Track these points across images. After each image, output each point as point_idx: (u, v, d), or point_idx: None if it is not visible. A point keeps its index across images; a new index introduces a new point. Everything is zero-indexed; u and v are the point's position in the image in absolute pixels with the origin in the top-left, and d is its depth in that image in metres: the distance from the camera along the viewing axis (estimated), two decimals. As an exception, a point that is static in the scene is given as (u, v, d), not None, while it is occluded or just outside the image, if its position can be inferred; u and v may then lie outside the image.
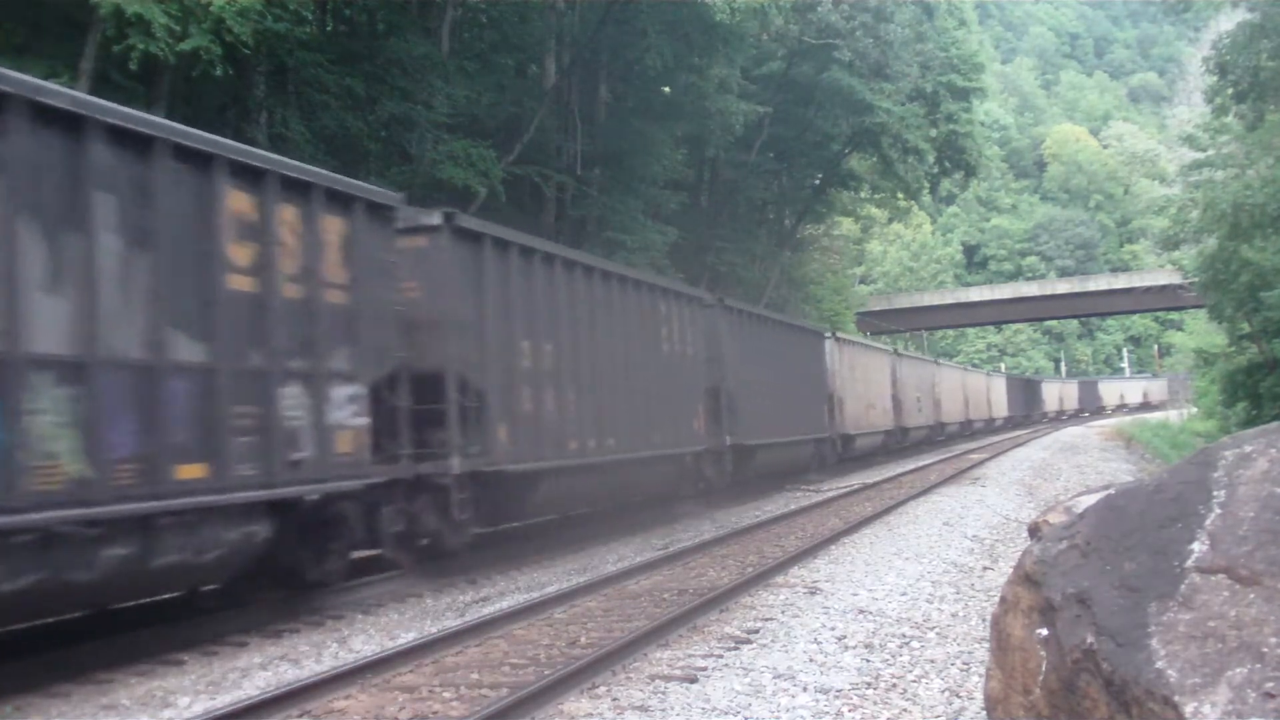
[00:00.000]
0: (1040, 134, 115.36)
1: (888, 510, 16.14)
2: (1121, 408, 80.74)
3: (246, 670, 7.40)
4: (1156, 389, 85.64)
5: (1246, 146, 22.01)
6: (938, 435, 39.43)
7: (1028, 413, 64.18)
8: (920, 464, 28.55)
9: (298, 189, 8.72)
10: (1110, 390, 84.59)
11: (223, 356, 7.82)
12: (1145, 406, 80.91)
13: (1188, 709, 2.93)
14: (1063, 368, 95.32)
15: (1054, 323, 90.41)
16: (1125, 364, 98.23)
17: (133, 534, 7.09)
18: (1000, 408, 55.33)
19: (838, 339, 27.02)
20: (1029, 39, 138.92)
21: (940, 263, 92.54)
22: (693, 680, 6.46)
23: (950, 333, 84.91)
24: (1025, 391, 64.91)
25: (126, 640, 7.92)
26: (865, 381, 28.73)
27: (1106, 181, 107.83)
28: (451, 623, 8.67)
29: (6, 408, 6.26)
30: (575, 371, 13.22)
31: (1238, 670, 2.95)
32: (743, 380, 19.31)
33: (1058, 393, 73.60)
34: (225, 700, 6.47)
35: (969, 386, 45.91)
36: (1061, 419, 71.34)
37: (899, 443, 33.27)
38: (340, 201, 9.28)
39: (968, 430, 46.06)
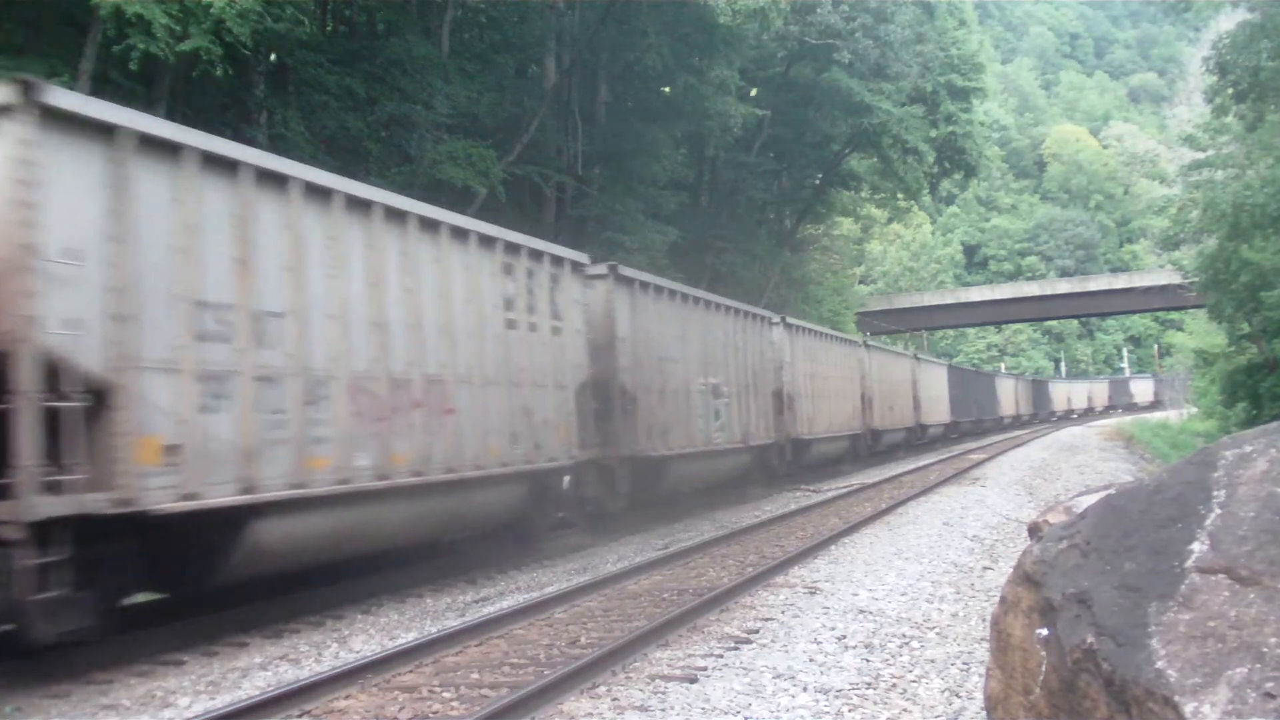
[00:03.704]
0: (1040, 134, 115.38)
1: (888, 510, 16.14)
2: (1070, 412, 74.91)
3: (246, 670, 7.40)
4: (1099, 392, 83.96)
5: (1246, 146, 22.03)
6: (786, 461, 21.99)
7: (980, 418, 48.50)
8: (920, 464, 28.53)
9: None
10: (1059, 392, 75.59)
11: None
12: (1090, 411, 77.39)
13: (1188, 709, 2.93)
14: (1063, 368, 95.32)
15: (1054, 323, 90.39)
16: (1125, 364, 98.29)
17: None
18: (938, 411, 38.63)
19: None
20: (1029, 39, 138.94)
21: (940, 263, 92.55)
22: (693, 680, 6.46)
23: (950, 333, 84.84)
24: (978, 389, 49.77)
25: (126, 640, 7.92)
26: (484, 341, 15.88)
27: (1106, 181, 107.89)
28: (451, 623, 8.66)
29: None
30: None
31: (1238, 670, 2.95)
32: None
33: (1012, 392, 59.48)
34: (225, 700, 6.47)
35: (874, 377, 29.67)
36: (1016, 426, 58.12)
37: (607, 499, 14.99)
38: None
39: (871, 447, 29.40)
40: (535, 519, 12.65)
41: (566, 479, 12.99)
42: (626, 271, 15.07)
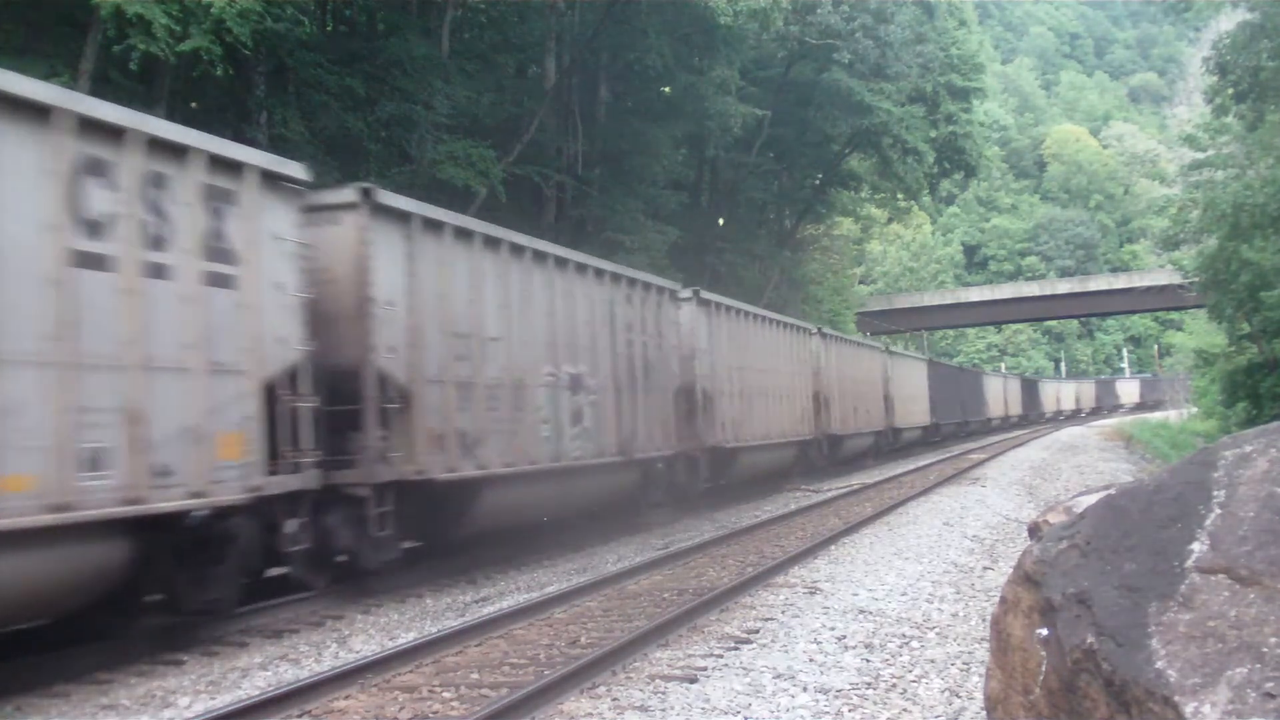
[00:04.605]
0: (1040, 134, 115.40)
1: (888, 510, 16.13)
2: (1059, 413, 73.25)
3: (246, 670, 7.40)
4: (1086, 393, 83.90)
5: (1246, 146, 22.03)
6: (701, 477, 17.63)
7: (965, 419, 44.61)
8: (920, 464, 28.54)
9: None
10: (1049, 393, 72.58)
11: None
12: (1078, 413, 76.91)
13: (1188, 709, 2.93)
14: (1063, 368, 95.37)
15: (1054, 323, 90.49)
16: (1125, 364, 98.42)
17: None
18: (915, 413, 35.10)
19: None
20: (1029, 39, 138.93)
21: (940, 263, 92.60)
22: (693, 680, 6.46)
23: (950, 333, 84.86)
24: (964, 388, 45.33)
25: (126, 640, 7.92)
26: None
27: (1106, 181, 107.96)
28: (451, 623, 8.67)
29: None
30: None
31: (1238, 670, 2.95)
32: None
33: (1002, 392, 55.61)
34: (225, 700, 6.47)
35: (832, 372, 25.39)
36: (1006, 428, 54.71)
37: None
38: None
39: (829, 456, 25.07)
40: (187, 590, 7.93)
41: (292, 524, 8.62)
42: (397, 202, 10.12)
